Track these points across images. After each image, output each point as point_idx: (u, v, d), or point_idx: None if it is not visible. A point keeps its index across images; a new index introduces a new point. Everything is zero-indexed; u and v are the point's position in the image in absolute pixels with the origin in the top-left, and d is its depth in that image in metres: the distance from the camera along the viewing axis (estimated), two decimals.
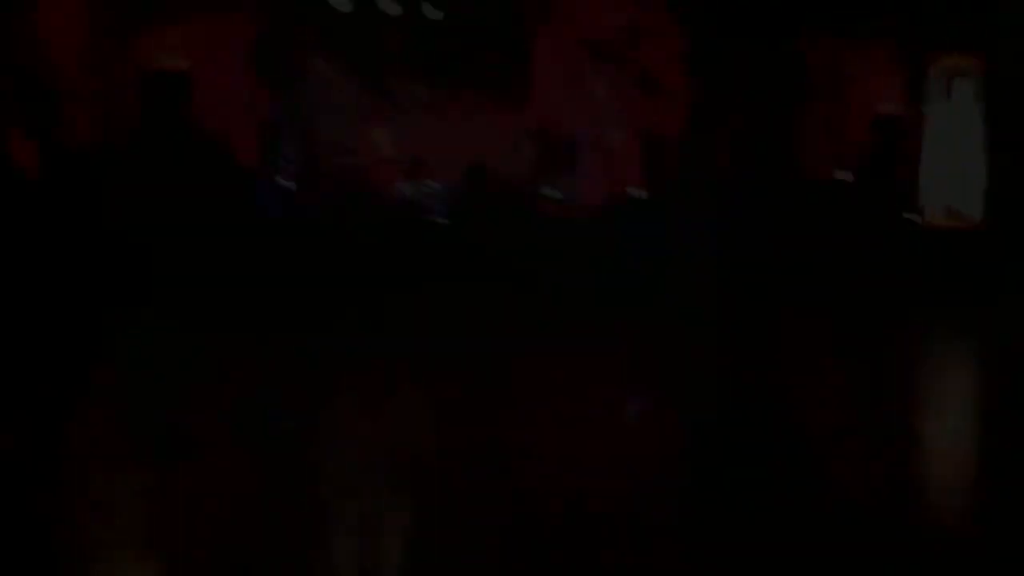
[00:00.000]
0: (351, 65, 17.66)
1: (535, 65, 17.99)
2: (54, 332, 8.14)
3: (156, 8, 12.72)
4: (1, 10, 12.69)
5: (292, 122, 15.92)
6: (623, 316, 11.39)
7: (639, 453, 6.52)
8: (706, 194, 16.12)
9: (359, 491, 5.72)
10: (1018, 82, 16.09)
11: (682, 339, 10.20)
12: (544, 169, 16.70)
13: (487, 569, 4.67)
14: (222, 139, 12.72)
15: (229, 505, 5.38)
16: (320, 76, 17.07)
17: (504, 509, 5.38)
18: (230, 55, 13.58)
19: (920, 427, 7.73)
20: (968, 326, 12.40)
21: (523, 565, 4.70)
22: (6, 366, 7.31)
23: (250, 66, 13.94)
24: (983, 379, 9.66)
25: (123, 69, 13.00)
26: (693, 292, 12.41)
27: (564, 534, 5.06)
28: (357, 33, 17.55)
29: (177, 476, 5.80)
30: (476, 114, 18.36)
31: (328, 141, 15.20)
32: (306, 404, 7.64)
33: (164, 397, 7.64)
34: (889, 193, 16.21)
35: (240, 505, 5.40)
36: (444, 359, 9.18)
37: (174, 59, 12.77)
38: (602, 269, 12.98)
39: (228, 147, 12.93)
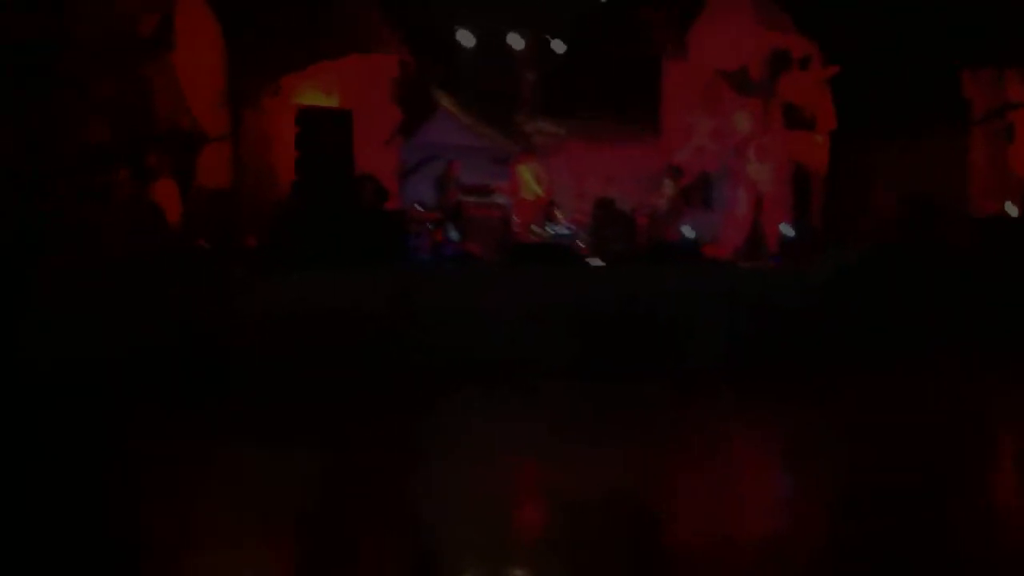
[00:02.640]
0: (480, 103, 17.31)
1: (666, 99, 17.47)
2: None
3: (306, 50, 12.39)
4: (145, 63, 12.44)
5: (427, 162, 15.51)
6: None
7: None
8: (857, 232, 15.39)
9: None
10: None
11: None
12: (680, 206, 16.01)
13: None
14: (375, 177, 12.31)
15: None
16: (451, 115, 16.69)
17: None
18: (379, 93, 13.22)
19: None
20: None
21: None
22: None
23: (394, 105, 13.57)
24: None
25: (273, 110, 12.67)
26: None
27: None
28: (484, 70, 17.19)
29: None
30: (608, 152, 17.87)
31: (462, 182, 14.71)
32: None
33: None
34: None
35: None
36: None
37: (331, 99, 12.42)
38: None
39: (381, 185, 12.51)
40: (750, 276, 12.04)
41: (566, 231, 14.80)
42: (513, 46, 17.83)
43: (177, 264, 10.16)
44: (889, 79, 16.34)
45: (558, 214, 15.02)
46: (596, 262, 12.87)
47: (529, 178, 14.40)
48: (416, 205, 13.77)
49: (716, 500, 5.58)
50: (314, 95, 12.56)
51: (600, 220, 15.88)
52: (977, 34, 15.86)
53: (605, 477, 5.88)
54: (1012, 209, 15.24)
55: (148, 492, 5.61)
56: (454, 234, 13.92)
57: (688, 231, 15.77)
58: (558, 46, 18.08)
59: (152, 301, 8.40)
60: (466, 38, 17.13)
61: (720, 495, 5.69)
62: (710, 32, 16.61)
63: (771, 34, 16.08)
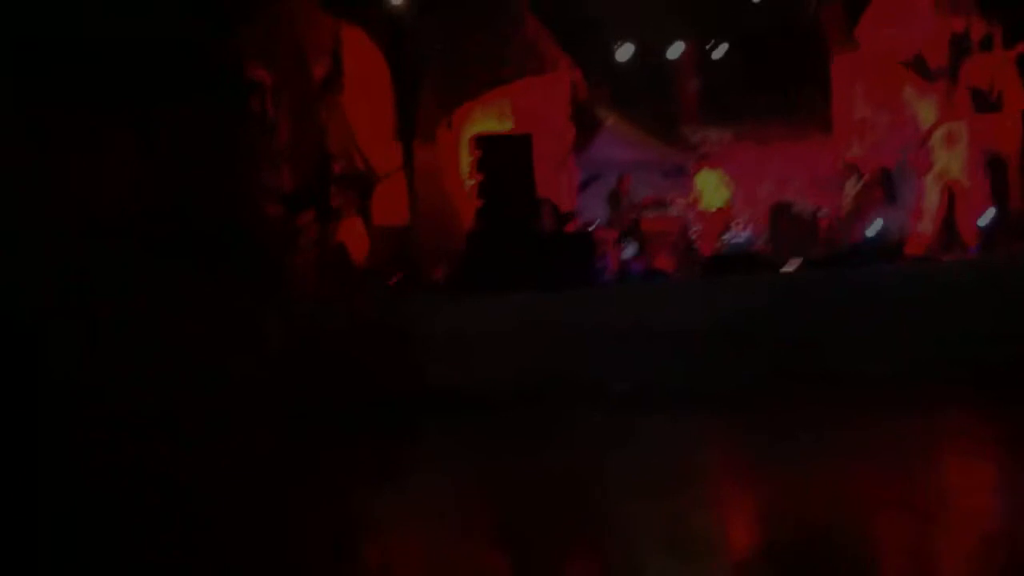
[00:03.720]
0: (643, 116, 16.96)
1: (837, 94, 16.75)
2: None
3: (481, 77, 12.29)
4: (319, 105, 12.54)
5: (593, 180, 15.22)
6: None
7: None
8: None
9: None
10: None
11: None
12: (864, 205, 15.26)
13: None
14: (554, 200, 12.08)
15: None
16: (615, 131, 16.38)
17: None
18: (553, 115, 13.02)
19: None
20: None
21: None
22: None
23: (568, 125, 13.34)
24: None
25: (446, 141, 12.59)
26: None
27: None
28: (645, 82, 16.84)
29: None
30: (779, 154, 17.27)
31: (634, 197, 14.37)
32: None
33: None
34: None
35: None
36: None
37: (504, 124, 12.28)
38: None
39: (559, 208, 12.28)
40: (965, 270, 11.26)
41: (742, 239, 14.27)
42: (671, 56, 17.46)
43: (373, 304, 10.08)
44: None
45: (732, 223, 14.53)
46: (790, 268, 12.31)
47: (710, 187, 13.95)
48: (598, 223, 13.49)
49: None
50: (487, 122, 12.42)
51: (778, 225, 15.31)
52: None
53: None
54: None
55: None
56: (631, 250, 13.58)
57: (873, 230, 15.05)
58: (718, 52, 17.61)
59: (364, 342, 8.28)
60: (624, 51, 16.83)
61: None
62: (883, 21, 15.85)
63: (950, 17, 15.24)
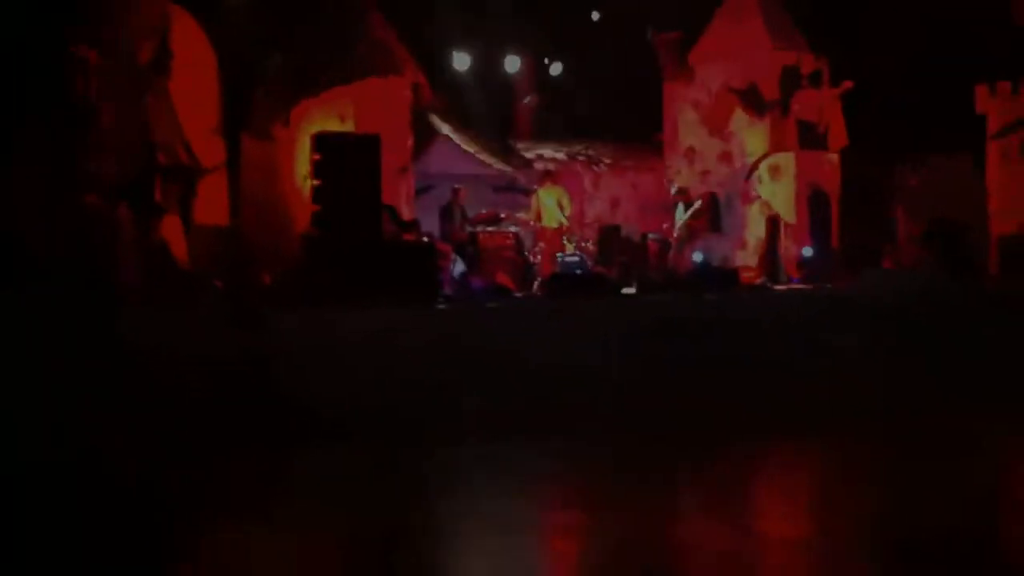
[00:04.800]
0: (477, 128, 16.64)
1: (669, 120, 16.92)
2: None
3: (322, 74, 11.64)
4: (143, 90, 11.60)
5: (424, 192, 14.77)
6: None
7: None
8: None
9: None
10: None
11: None
12: (692, 232, 15.35)
13: None
14: (395, 207, 11.54)
15: None
16: (449, 141, 16.00)
17: None
18: (394, 119, 12.48)
19: None
20: None
21: None
22: None
23: (408, 130, 12.84)
24: None
25: (282, 138, 11.86)
26: None
27: None
28: (480, 94, 16.52)
29: None
30: (611, 176, 17.27)
31: (471, 212, 14.00)
32: None
33: None
34: None
35: None
36: None
37: (346, 125, 11.63)
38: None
39: (400, 216, 11.75)
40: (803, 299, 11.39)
41: (575, 259, 14.07)
42: (509, 69, 17.22)
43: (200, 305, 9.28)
44: (900, 95, 15.99)
45: (565, 242, 14.31)
46: (629, 290, 12.18)
47: (552, 204, 13.71)
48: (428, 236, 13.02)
49: None
50: (328, 122, 11.76)
51: (606, 247, 15.26)
52: (990, 48, 15.57)
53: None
54: None
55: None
56: (459, 266, 13.16)
57: (698, 256, 15.18)
58: (555, 68, 17.50)
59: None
60: (461, 61, 16.48)
61: None
62: (717, 50, 16.11)
63: (782, 51, 15.61)
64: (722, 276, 13.13)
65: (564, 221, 13.72)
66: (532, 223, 13.70)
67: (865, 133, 15.49)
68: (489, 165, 16.31)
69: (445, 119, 15.45)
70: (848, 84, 15.10)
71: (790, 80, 15.54)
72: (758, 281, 13.96)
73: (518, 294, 12.11)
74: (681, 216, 15.08)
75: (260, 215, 12.19)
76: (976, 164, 16.09)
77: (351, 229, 10.41)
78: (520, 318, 9.29)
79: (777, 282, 14.38)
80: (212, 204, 12.25)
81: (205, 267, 11.62)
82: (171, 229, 11.48)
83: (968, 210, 15.81)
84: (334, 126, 11.66)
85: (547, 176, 14.23)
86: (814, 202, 15.42)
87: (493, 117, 16.61)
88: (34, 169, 8.86)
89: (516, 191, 15.85)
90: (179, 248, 11.60)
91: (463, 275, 12.89)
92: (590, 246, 14.74)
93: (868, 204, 16.40)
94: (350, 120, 11.96)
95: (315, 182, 10.59)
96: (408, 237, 11.76)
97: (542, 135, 16.93)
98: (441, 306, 9.84)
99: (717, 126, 16.27)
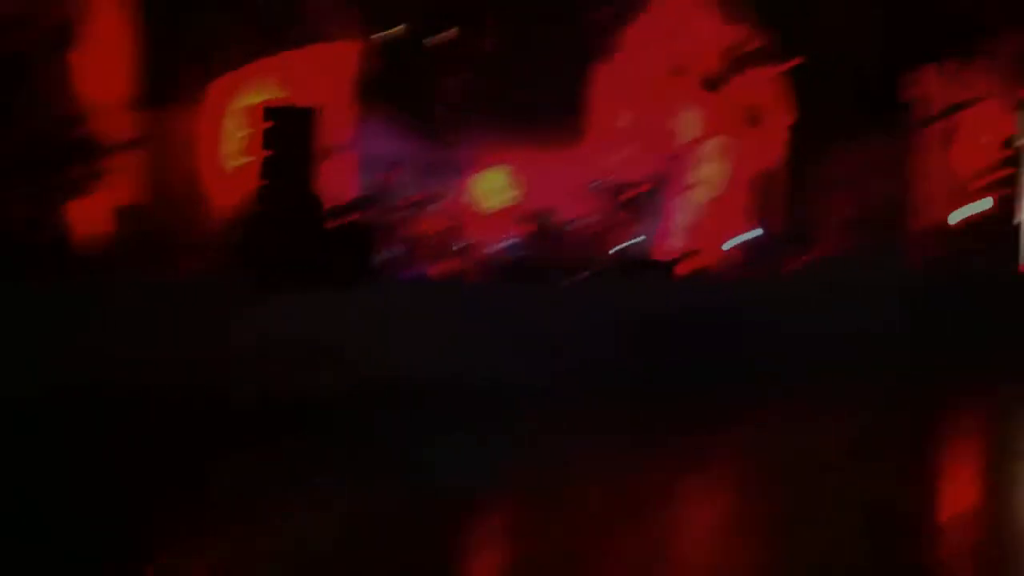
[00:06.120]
0: (406, 106, 15.78)
1: (599, 101, 16.32)
2: None
3: (254, 42, 10.72)
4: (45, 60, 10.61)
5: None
6: None
7: None
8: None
9: None
10: None
11: None
12: (621, 217, 14.80)
13: None
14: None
15: None
16: (380, 118, 15.11)
17: None
18: (338, 89, 11.58)
19: None
20: None
21: None
22: None
23: (353, 103, 11.94)
24: None
25: (210, 110, 10.89)
26: None
27: None
28: (407, 70, 15.64)
29: None
30: (540, 160, 16.58)
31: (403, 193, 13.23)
32: None
33: None
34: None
35: None
36: None
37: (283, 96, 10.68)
38: None
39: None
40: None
41: (513, 243, 13.43)
42: (438, 43, 16.38)
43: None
44: (836, 78, 15.69)
45: (509, 225, 13.65)
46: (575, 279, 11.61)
47: (494, 188, 13.00)
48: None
49: None
50: (260, 93, 10.82)
51: (535, 233, 14.62)
52: (924, 32, 15.39)
53: None
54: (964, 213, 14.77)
55: None
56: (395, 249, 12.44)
57: (635, 242, 14.67)
58: (484, 44, 16.72)
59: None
60: (388, 36, 15.58)
61: None
62: (654, 29, 15.54)
63: (726, 28, 15.15)
64: (663, 262, 12.70)
65: (509, 204, 13.03)
66: (476, 205, 12.98)
67: (806, 115, 15.16)
68: (420, 145, 15.49)
69: (378, 91, 14.53)
70: (792, 62, 14.73)
71: (732, 58, 15.09)
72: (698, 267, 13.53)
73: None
74: (612, 201, 14.52)
75: (181, 193, 11.21)
76: (907, 150, 15.90)
77: (294, 208, 9.60)
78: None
79: (717, 268, 13.97)
80: (124, 182, 11.26)
81: (119, 249, 10.68)
82: (82, 210, 10.49)
83: (898, 197, 15.69)
84: (268, 97, 10.71)
85: (492, 157, 13.48)
86: (756, 184, 15.02)
87: (423, 92, 15.77)
88: None
89: (446, 173, 15.07)
90: (89, 230, 10.61)
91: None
92: (524, 230, 14.09)
93: (804, 187, 16.11)
94: (289, 91, 11.04)
95: (250, 157, 9.72)
96: (352, 217, 10.97)
97: (472, 116, 16.16)
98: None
99: (652, 108, 15.73)
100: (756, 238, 14.70)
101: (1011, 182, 14.71)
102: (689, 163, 15.26)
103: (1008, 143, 15.19)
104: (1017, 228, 14.65)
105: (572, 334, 9.32)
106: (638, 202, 14.90)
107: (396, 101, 15.64)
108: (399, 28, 15.13)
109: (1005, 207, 14.62)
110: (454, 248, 12.77)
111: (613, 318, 9.68)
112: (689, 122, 15.26)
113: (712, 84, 15.17)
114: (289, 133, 9.53)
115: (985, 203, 14.71)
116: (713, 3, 15.22)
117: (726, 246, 14.72)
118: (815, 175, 16.54)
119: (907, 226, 15.42)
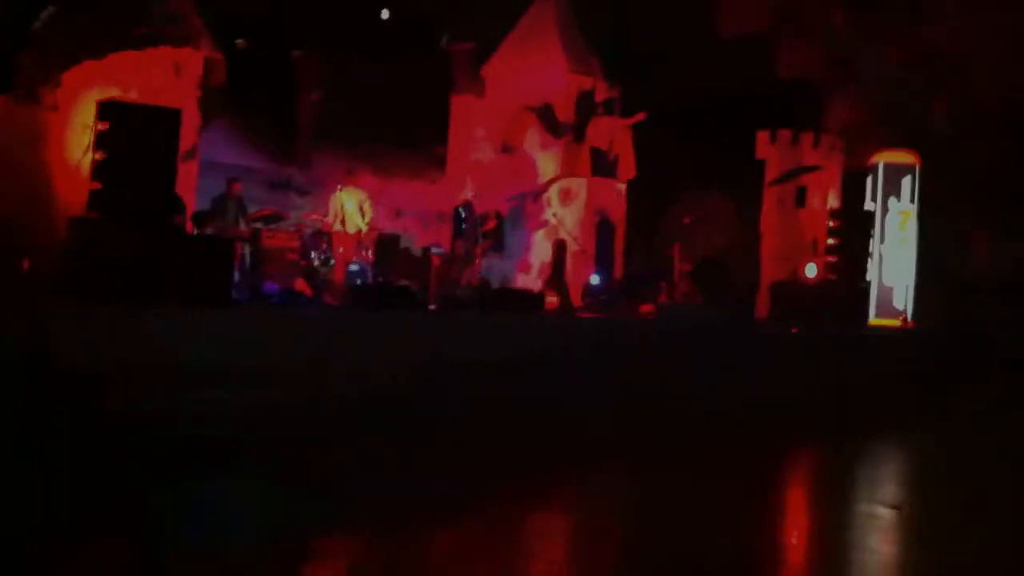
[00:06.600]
0: (256, 120, 15.38)
1: (456, 133, 16.33)
2: None
3: (107, 34, 10.20)
4: None
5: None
6: None
7: None
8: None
9: None
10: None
11: None
12: (479, 250, 14.75)
13: None
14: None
15: None
16: (224, 129, 14.64)
17: None
18: (183, 94, 11.13)
19: None
20: None
21: None
22: None
23: (197, 109, 11.52)
24: None
25: (51, 104, 10.28)
26: None
27: None
28: (262, 85, 15.26)
29: None
30: (395, 185, 16.38)
31: (247, 208, 12.80)
32: None
33: None
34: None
35: None
36: None
37: (127, 95, 10.14)
38: None
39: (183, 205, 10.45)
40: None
41: (357, 268, 13.15)
42: (294, 62, 16.07)
43: None
44: (687, 133, 16.18)
45: (358, 248, 13.34)
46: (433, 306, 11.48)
47: (352, 208, 12.74)
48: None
49: None
50: (108, 89, 10.28)
51: (385, 257, 14.39)
52: (773, 97, 16.04)
53: None
54: (810, 271, 15.36)
55: None
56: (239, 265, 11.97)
57: (486, 275, 14.64)
58: (343, 66, 16.48)
59: None
60: (240, 45, 15.17)
61: None
62: (512, 67, 15.69)
63: (578, 75, 15.41)
64: (528, 299, 12.69)
65: (363, 227, 12.80)
66: (332, 226, 12.66)
67: (651, 167, 15.53)
68: (266, 160, 15.13)
69: (225, 103, 14.09)
70: (640, 115, 15.09)
71: (585, 105, 15.36)
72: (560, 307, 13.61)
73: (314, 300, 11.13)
74: (461, 232, 14.43)
75: (21, 190, 10.50)
76: (752, 208, 16.49)
77: (136, 214, 9.13)
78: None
79: (563, 308, 14.04)
80: None
81: None
82: None
83: (738, 251, 16.23)
84: (114, 95, 10.19)
85: (350, 176, 13.20)
86: (601, 230, 15.27)
87: (274, 109, 15.44)
88: None
89: (292, 189, 14.71)
90: None
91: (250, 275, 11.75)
92: (369, 254, 13.82)
93: (648, 237, 16.49)
94: (134, 90, 10.54)
95: (97, 156, 9.21)
96: (202, 229, 10.53)
97: (324, 134, 15.88)
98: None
99: (508, 143, 15.84)
100: (601, 282, 14.91)
101: (849, 245, 15.36)
102: (543, 202, 15.38)
103: (841, 211, 15.94)
104: (866, 289, 15.39)
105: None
106: (493, 235, 14.87)
107: (248, 115, 15.26)
108: (243, 41, 14.79)
109: (852, 267, 15.30)
110: (303, 267, 12.41)
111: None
112: (545, 161, 15.41)
113: (563, 129, 15.39)
114: (139, 134, 9.08)
115: (830, 263, 15.34)
116: (571, 49, 15.46)
117: (572, 288, 14.83)
118: (658, 225, 16.99)
119: (751, 280, 15.96)
